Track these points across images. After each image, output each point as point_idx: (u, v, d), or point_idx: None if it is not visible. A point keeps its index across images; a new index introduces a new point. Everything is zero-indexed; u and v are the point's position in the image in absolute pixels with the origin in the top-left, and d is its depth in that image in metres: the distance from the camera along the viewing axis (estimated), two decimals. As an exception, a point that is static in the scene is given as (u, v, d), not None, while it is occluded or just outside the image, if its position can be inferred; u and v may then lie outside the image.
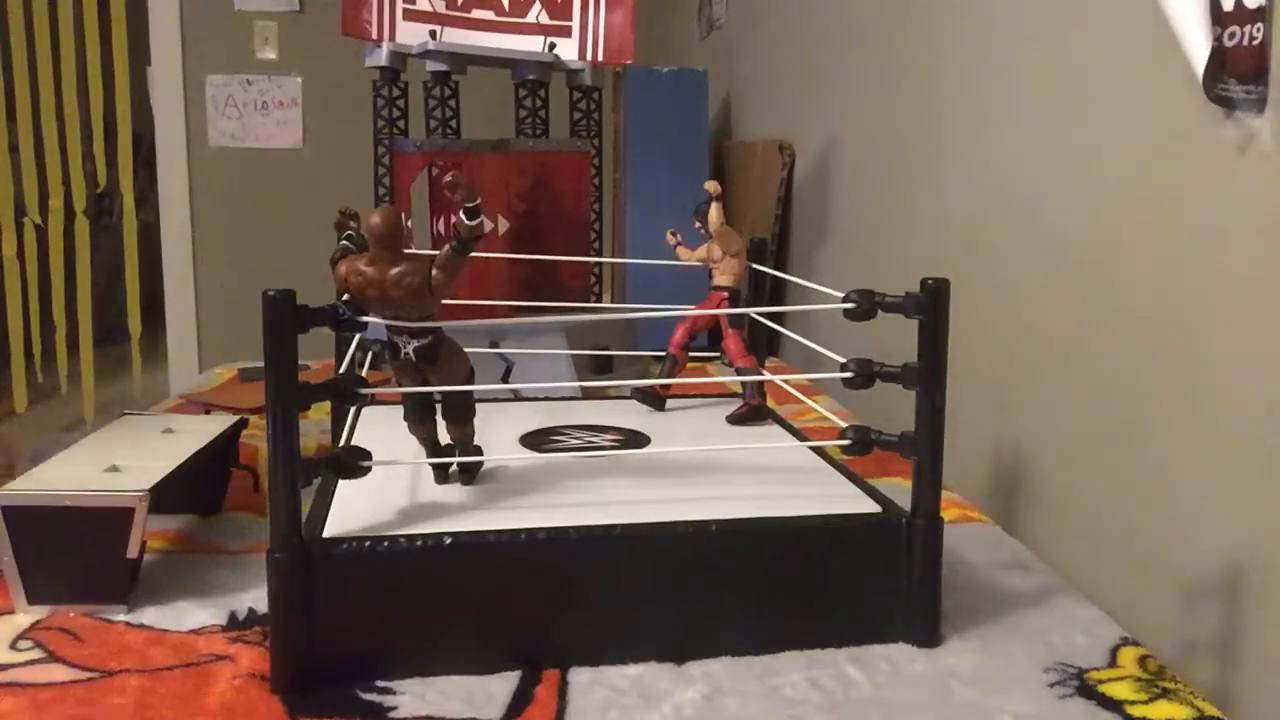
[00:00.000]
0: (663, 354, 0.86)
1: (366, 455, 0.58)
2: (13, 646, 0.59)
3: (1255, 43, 0.59)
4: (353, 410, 0.80)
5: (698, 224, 0.83)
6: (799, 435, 0.80)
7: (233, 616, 0.63)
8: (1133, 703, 0.54)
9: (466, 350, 0.64)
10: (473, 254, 0.59)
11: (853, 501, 0.64)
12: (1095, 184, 0.78)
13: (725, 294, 0.83)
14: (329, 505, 0.60)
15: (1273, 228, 0.60)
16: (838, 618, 0.60)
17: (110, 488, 0.63)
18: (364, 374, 0.79)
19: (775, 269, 0.86)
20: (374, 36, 1.29)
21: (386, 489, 0.63)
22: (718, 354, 0.85)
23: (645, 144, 1.61)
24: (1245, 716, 0.61)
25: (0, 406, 3.34)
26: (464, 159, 1.26)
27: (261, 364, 0.53)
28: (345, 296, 0.59)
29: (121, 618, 0.63)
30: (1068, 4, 0.82)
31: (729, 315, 0.83)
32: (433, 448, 0.67)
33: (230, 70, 3.19)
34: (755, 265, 0.85)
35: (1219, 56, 0.62)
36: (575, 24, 1.35)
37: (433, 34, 1.28)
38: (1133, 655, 0.59)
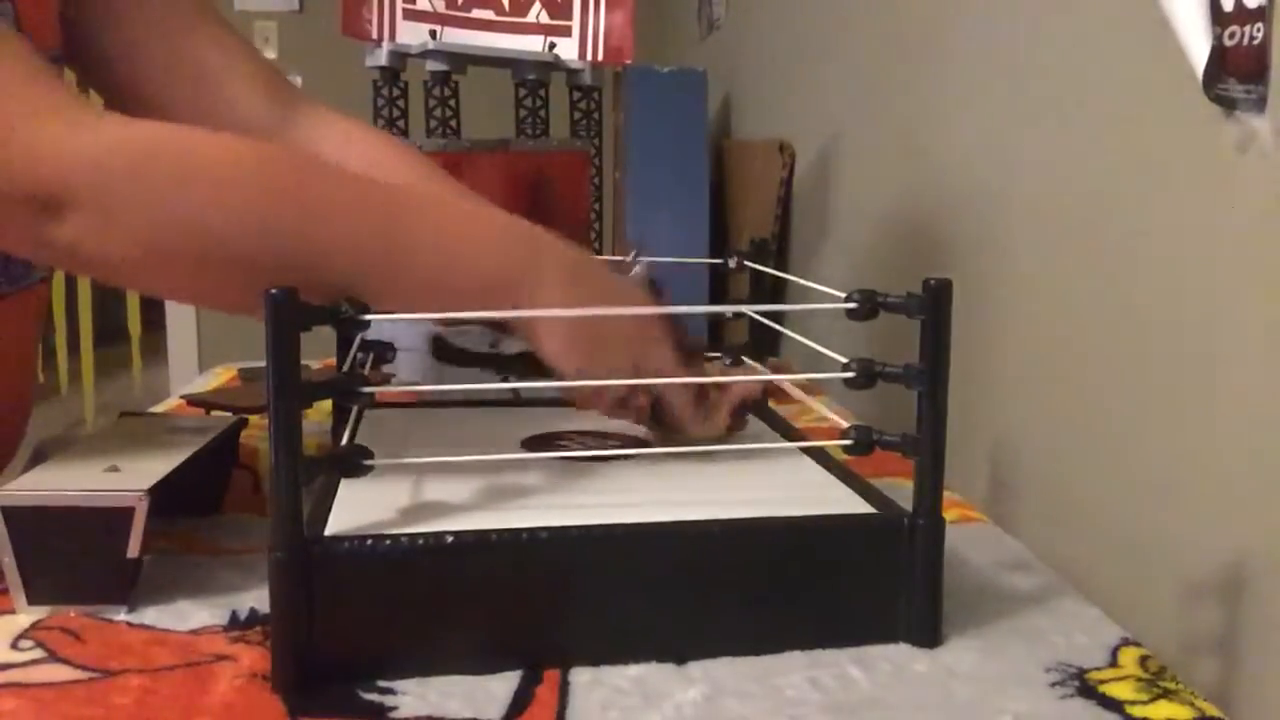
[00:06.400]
0: None
1: (369, 454, 0.58)
2: (14, 646, 0.59)
3: (1255, 43, 0.59)
4: (354, 409, 0.79)
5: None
6: (799, 435, 0.80)
7: (234, 616, 0.63)
8: (1133, 703, 0.54)
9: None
10: None
11: (854, 501, 0.64)
12: (1095, 183, 0.78)
13: None
14: (330, 505, 0.60)
15: (1273, 227, 0.60)
16: (839, 618, 0.60)
17: (110, 488, 0.63)
18: (365, 372, 0.79)
19: (775, 269, 0.86)
20: (374, 36, 1.30)
21: (388, 488, 0.63)
22: (718, 354, 0.85)
23: (645, 144, 1.61)
24: (1246, 716, 0.61)
25: (0, 406, 3.34)
26: (464, 159, 1.26)
27: (262, 364, 0.53)
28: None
29: (122, 618, 0.63)
30: (1069, 3, 0.82)
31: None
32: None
33: (230, 70, 3.18)
34: (755, 265, 0.85)
35: (1219, 56, 0.62)
36: (575, 24, 1.35)
37: (433, 34, 1.29)
38: (1133, 655, 0.59)
